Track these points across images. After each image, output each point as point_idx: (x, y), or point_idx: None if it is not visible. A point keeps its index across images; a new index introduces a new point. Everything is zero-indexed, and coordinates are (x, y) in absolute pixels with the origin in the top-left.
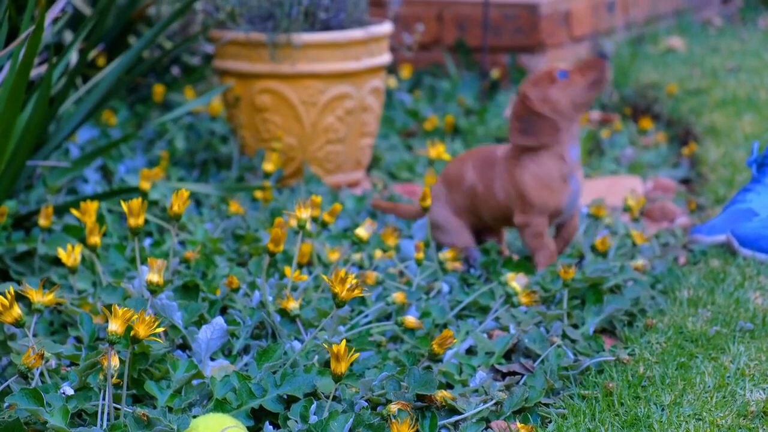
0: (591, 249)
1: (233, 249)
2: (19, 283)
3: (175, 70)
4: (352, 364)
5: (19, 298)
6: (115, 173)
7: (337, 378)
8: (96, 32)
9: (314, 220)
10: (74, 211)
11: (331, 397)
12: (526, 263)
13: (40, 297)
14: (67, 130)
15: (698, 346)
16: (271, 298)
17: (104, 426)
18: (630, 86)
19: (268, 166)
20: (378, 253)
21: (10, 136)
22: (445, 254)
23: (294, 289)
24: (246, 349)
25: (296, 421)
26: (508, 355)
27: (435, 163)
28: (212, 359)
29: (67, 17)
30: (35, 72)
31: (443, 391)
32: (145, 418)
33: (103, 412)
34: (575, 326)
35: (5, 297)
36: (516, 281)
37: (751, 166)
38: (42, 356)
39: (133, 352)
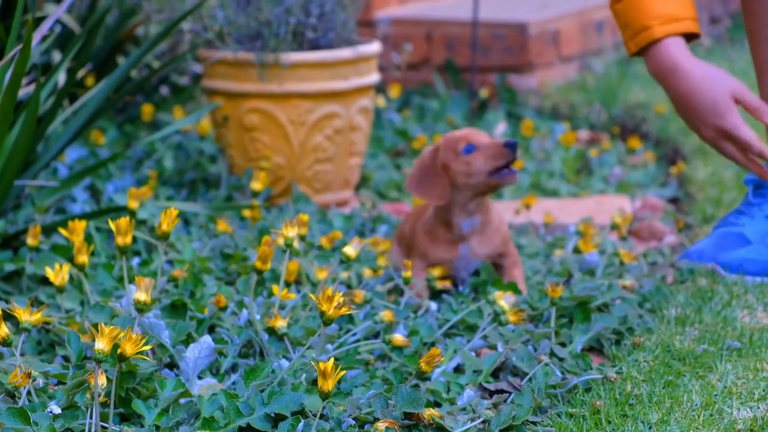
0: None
1: (221, 268)
2: (6, 302)
3: (164, 90)
4: (339, 383)
5: (7, 317)
6: (104, 193)
7: (325, 396)
8: (84, 52)
9: (302, 238)
10: (62, 231)
11: (318, 416)
12: (514, 284)
13: (27, 316)
14: (55, 149)
15: (686, 364)
16: (258, 317)
17: None
18: (618, 106)
19: (257, 186)
20: (367, 272)
21: None
22: (434, 272)
23: (282, 307)
24: (234, 368)
25: None
26: (495, 374)
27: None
28: (200, 378)
29: (55, 36)
30: (23, 92)
31: (431, 409)
32: None
33: (90, 431)
34: (563, 345)
35: None
36: (504, 300)
37: (747, 185)
38: (29, 375)
39: (120, 371)
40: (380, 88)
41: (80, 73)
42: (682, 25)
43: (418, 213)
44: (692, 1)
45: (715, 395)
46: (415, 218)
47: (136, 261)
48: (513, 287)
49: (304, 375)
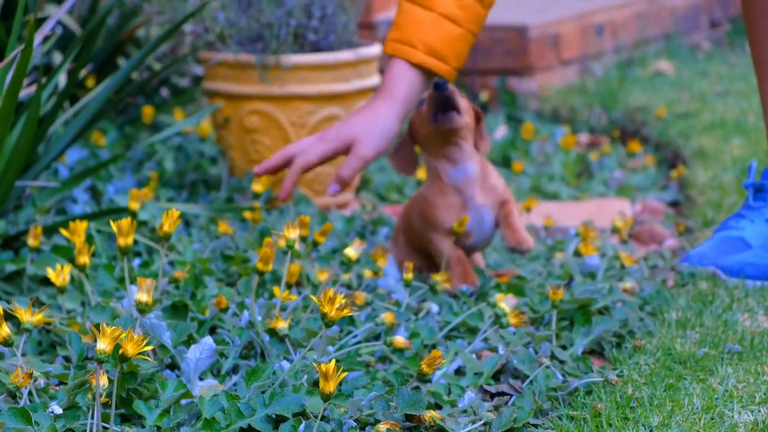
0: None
1: (222, 269)
2: (8, 302)
3: (165, 92)
4: (340, 384)
5: (8, 317)
6: (104, 194)
7: (326, 398)
8: (85, 53)
9: (303, 239)
10: (63, 232)
11: (319, 417)
12: (515, 285)
13: (29, 317)
14: (56, 150)
15: (686, 367)
16: (260, 318)
17: None
18: (619, 109)
19: (258, 187)
20: (368, 273)
21: None
22: (437, 277)
23: (283, 309)
24: (235, 369)
25: None
26: (496, 376)
27: (423, 184)
28: (201, 379)
29: (56, 38)
30: (24, 93)
31: (432, 411)
32: None
33: None
34: (564, 347)
35: None
36: (505, 302)
37: (747, 189)
38: (30, 375)
39: (121, 371)
40: None
41: (81, 75)
42: (441, 66)
43: (411, 204)
44: (464, 53)
45: (716, 399)
46: (409, 209)
47: (137, 262)
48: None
49: (305, 376)
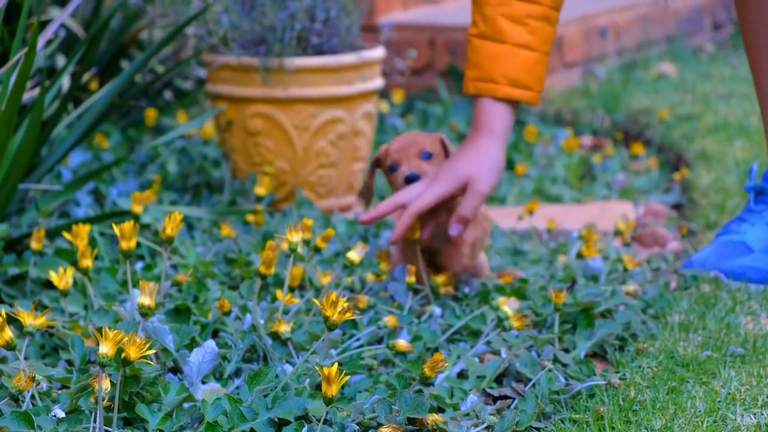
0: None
1: (225, 272)
2: (10, 305)
3: (168, 95)
4: (343, 388)
5: (11, 321)
6: (107, 197)
7: (328, 401)
8: (88, 56)
9: (306, 243)
10: (66, 235)
11: (322, 421)
12: (518, 288)
13: (31, 320)
14: (59, 153)
15: (689, 370)
16: (262, 322)
17: None
18: (621, 112)
19: (260, 190)
20: (370, 277)
21: (2, 159)
22: (438, 278)
23: (285, 312)
24: (237, 373)
25: None
26: (499, 379)
27: None
28: (203, 382)
29: (60, 41)
30: (27, 96)
31: (434, 414)
32: None
33: None
34: (566, 350)
35: None
36: (507, 305)
37: (748, 192)
38: (33, 379)
39: (124, 375)
40: (384, 94)
41: (84, 78)
42: (526, 94)
43: None
44: (544, 74)
45: (719, 402)
46: None
47: (139, 265)
48: (516, 292)
49: (307, 380)
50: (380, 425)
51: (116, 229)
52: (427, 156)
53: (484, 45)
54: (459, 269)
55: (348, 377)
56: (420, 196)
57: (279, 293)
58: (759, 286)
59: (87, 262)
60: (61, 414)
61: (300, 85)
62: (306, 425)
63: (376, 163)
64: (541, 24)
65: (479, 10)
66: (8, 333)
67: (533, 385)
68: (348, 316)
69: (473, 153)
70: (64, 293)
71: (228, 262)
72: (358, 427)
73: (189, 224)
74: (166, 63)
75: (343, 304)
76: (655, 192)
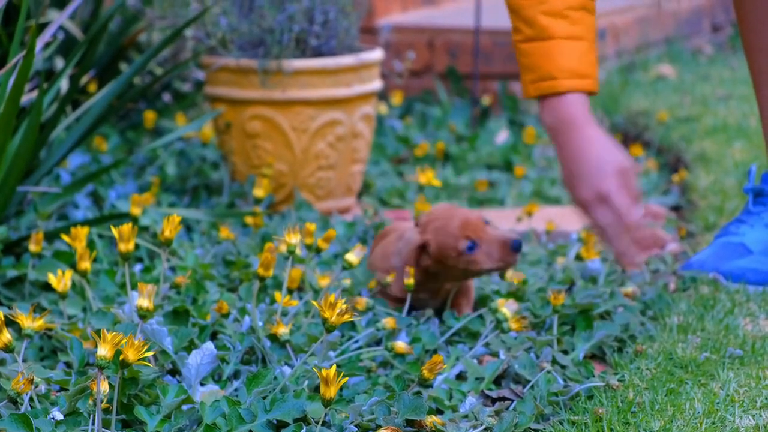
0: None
1: (223, 275)
2: (9, 308)
3: (166, 97)
4: (341, 390)
5: (9, 323)
6: (106, 199)
7: (327, 403)
8: (87, 58)
9: (308, 247)
10: (65, 237)
11: (320, 423)
12: (517, 290)
13: (30, 322)
14: (57, 156)
15: (688, 372)
16: (261, 324)
17: None
18: (620, 114)
19: (259, 192)
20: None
21: (0, 162)
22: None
23: (284, 314)
24: (236, 375)
25: None
26: (498, 381)
27: (425, 189)
28: (202, 384)
29: (58, 43)
30: (26, 98)
31: (433, 416)
32: None
33: None
34: (565, 352)
35: None
36: (506, 307)
37: (747, 193)
38: (31, 381)
39: (122, 377)
40: (382, 95)
41: (83, 80)
42: (586, 83)
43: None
44: (596, 61)
45: (718, 403)
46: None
47: (138, 267)
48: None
49: (306, 382)
50: (379, 427)
51: (115, 232)
52: (486, 222)
53: (532, 47)
54: (466, 311)
55: (346, 379)
56: (622, 207)
57: (277, 295)
58: (758, 287)
59: (85, 265)
60: (60, 416)
61: (298, 87)
62: (305, 427)
63: (422, 249)
64: (581, 14)
65: (519, 16)
66: (7, 335)
67: (532, 386)
68: (346, 317)
69: (598, 143)
70: (63, 295)
71: (227, 264)
72: (356, 429)
73: (188, 226)
74: (164, 65)
75: (341, 305)
76: (654, 193)
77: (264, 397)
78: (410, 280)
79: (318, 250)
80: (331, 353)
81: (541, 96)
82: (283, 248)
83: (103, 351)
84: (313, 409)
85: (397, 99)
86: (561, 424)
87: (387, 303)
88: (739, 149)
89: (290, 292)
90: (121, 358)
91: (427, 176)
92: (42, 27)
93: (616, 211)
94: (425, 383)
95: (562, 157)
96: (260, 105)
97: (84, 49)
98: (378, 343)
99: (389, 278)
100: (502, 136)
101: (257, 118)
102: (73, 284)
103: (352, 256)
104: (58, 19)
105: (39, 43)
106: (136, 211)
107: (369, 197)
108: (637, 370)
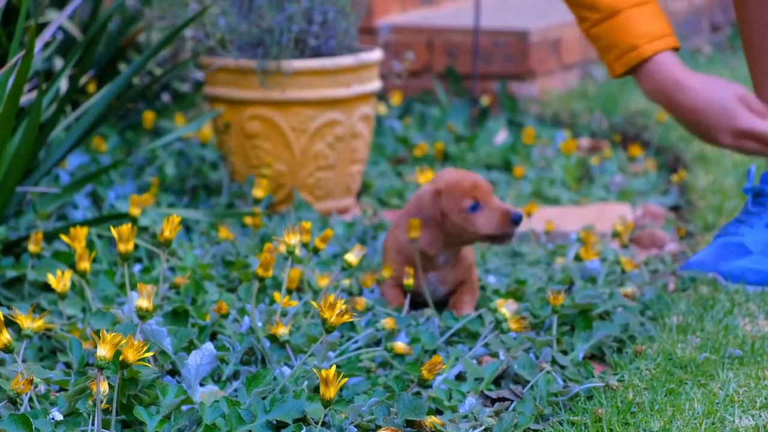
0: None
1: (223, 275)
2: (8, 308)
3: (165, 97)
4: (341, 390)
5: (9, 323)
6: (105, 199)
7: (327, 403)
8: (86, 58)
9: (305, 246)
10: (64, 237)
11: (320, 423)
12: (516, 290)
13: (29, 323)
14: (56, 156)
15: (687, 372)
16: (260, 324)
17: None
18: (619, 114)
19: (258, 193)
20: (369, 282)
21: (0, 162)
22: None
23: (283, 314)
24: (235, 375)
25: None
26: (497, 381)
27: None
28: (202, 385)
29: (57, 43)
30: (25, 98)
31: (432, 416)
32: None
33: None
34: (564, 352)
35: None
36: (505, 307)
37: (746, 193)
38: (31, 382)
39: (122, 378)
40: (381, 96)
41: (82, 80)
42: (667, 41)
43: (397, 224)
44: (667, 18)
45: (717, 403)
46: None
47: (137, 268)
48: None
49: (305, 382)
50: (378, 427)
51: (114, 232)
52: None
53: (604, 27)
54: (466, 312)
55: (346, 379)
56: (764, 131)
57: (277, 295)
58: (757, 287)
59: (85, 265)
60: (59, 416)
61: (298, 88)
62: (304, 427)
63: (437, 195)
64: None
65: (580, 5)
66: (6, 336)
67: (531, 387)
68: (346, 318)
69: (707, 87)
70: (62, 296)
71: (226, 265)
72: (356, 430)
73: (187, 227)
74: (163, 65)
75: (340, 306)
76: (653, 194)
77: (263, 398)
78: (410, 281)
79: (315, 250)
80: (331, 354)
81: (630, 69)
82: (283, 248)
83: (103, 351)
84: (312, 410)
85: (396, 99)
86: (560, 424)
87: (386, 300)
88: None
89: (290, 292)
90: (120, 358)
91: (426, 176)
92: (41, 27)
93: (761, 137)
94: (425, 384)
95: (680, 116)
96: (259, 105)
97: (83, 49)
98: (377, 343)
99: (414, 233)
100: (501, 136)
101: (256, 119)
102: (73, 284)
103: (352, 257)
104: (57, 19)
105: (38, 43)
106: (135, 211)
107: (368, 197)
108: (637, 371)
